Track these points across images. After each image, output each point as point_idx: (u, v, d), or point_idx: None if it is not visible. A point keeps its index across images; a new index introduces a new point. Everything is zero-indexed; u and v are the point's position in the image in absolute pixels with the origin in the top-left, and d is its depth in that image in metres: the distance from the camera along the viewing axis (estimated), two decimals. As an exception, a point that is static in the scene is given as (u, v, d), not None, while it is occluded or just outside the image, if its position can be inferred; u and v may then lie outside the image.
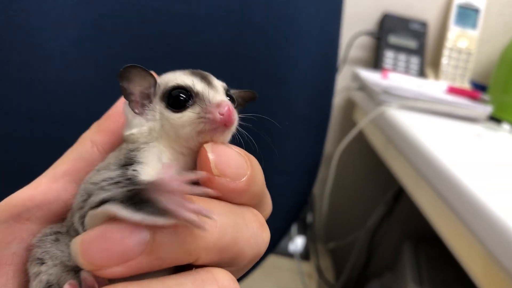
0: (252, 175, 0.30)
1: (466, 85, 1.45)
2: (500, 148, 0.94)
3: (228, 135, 0.32)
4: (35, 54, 0.67)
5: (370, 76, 1.25)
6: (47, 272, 0.30)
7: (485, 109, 1.11)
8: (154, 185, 0.26)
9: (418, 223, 1.56)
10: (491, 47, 1.52)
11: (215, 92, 0.31)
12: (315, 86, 0.75)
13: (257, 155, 0.33)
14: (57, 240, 0.31)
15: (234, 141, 0.34)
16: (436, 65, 1.51)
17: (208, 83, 0.32)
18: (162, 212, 0.25)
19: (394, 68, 1.44)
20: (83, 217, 0.28)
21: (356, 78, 1.35)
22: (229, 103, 0.30)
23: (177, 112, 0.31)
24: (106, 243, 0.25)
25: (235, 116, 0.30)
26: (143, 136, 0.32)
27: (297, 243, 1.54)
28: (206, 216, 0.26)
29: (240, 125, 0.33)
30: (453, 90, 1.22)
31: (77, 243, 0.25)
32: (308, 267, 1.50)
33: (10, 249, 0.31)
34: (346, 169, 1.59)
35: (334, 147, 1.34)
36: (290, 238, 1.54)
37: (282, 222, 0.78)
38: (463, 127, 1.04)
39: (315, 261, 1.50)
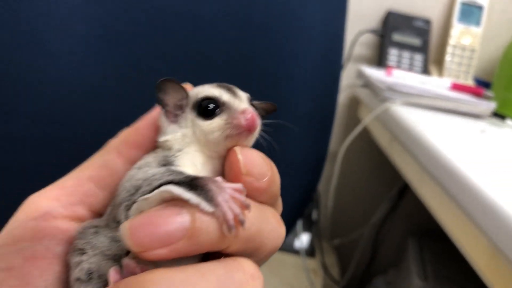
0: (272, 176, 0.33)
1: (469, 82, 1.46)
2: (504, 144, 0.95)
3: (252, 140, 0.36)
4: (42, 54, 0.68)
5: (375, 73, 1.26)
6: (88, 261, 0.33)
7: (489, 106, 1.12)
8: (211, 179, 0.30)
9: (423, 219, 1.56)
10: (495, 44, 1.52)
11: (240, 101, 0.35)
12: (319, 84, 0.76)
13: (265, 152, 0.35)
14: (96, 232, 0.34)
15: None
16: (439, 62, 1.52)
17: (234, 93, 0.35)
18: (209, 200, 0.29)
19: (398, 66, 1.45)
20: (128, 208, 0.32)
21: (360, 75, 1.36)
22: (253, 110, 0.34)
23: (207, 119, 0.35)
24: (152, 227, 0.28)
25: (258, 122, 0.34)
26: (177, 142, 0.36)
27: (303, 240, 1.54)
28: (240, 222, 0.30)
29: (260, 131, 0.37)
30: (457, 87, 1.22)
31: (125, 227, 0.29)
32: (313, 263, 1.51)
33: (43, 245, 0.34)
34: (350, 166, 1.60)
35: (339, 144, 1.35)
36: (296, 235, 1.55)
37: (287, 218, 0.79)
38: (467, 124, 1.05)
39: (320, 258, 1.51)
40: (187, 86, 0.39)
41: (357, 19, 1.45)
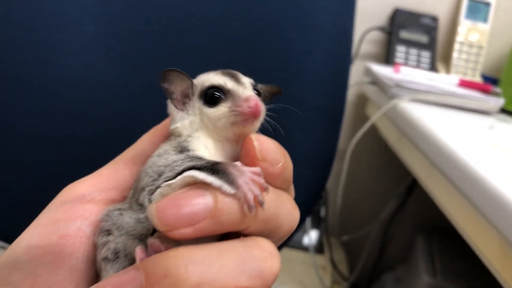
0: (285, 162, 0.35)
1: (477, 79, 1.46)
2: (513, 140, 0.95)
3: (257, 125, 0.37)
4: (55, 52, 0.69)
5: (382, 70, 1.27)
6: (114, 241, 0.35)
7: (497, 102, 1.12)
8: (231, 163, 0.32)
9: (431, 216, 1.57)
10: (503, 41, 1.52)
11: (243, 88, 0.36)
12: (329, 79, 0.76)
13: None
14: (121, 214, 0.36)
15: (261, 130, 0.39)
16: (447, 59, 1.52)
17: (237, 81, 0.37)
18: (231, 183, 0.31)
19: (405, 63, 1.45)
20: (152, 192, 0.34)
21: (368, 72, 1.36)
22: (256, 96, 0.35)
23: (213, 107, 0.36)
24: (177, 208, 0.30)
25: (262, 108, 0.35)
26: (185, 129, 0.38)
27: (311, 236, 1.55)
28: (259, 203, 0.31)
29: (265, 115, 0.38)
30: (464, 83, 1.23)
31: (153, 208, 0.31)
32: (322, 260, 1.51)
33: (76, 225, 0.37)
34: (358, 163, 1.60)
35: (347, 141, 1.35)
36: (304, 232, 1.56)
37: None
38: (475, 120, 1.05)
39: (329, 254, 1.52)
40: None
41: (364, 16, 1.45)
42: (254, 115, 0.35)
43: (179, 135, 0.38)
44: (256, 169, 0.33)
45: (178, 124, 0.38)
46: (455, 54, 1.46)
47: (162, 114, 0.42)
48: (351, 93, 1.56)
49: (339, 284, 1.51)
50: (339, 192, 1.38)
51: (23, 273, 0.34)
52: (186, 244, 0.30)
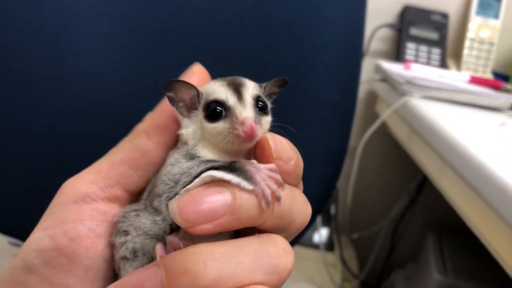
0: (297, 160, 0.36)
1: (488, 76, 1.45)
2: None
3: (253, 143, 0.37)
4: (68, 51, 0.70)
5: (393, 67, 1.26)
6: (132, 240, 0.36)
7: (508, 99, 1.11)
8: (248, 161, 0.34)
9: (441, 213, 1.56)
10: (514, 37, 1.52)
11: (243, 108, 0.36)
12: (341, 76, 0.76)
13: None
14: (137, 215, 0.37)
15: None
16: (457, 56, 1.51)
17: (240, 96, 0.37)
18: (248, 179, 0.32)
19: (416, 60, 1.45)
20: (169, 198, 0.34)
21: (378, 69, 1.36)
22: (252, 121, 0.35)
23: (212, 122, 0.36)
24: (197, 204, 0.32)
25: (257, 132, 0.35)
26: (190, 138, 0.38)
27: (322, 234, 1.55)
28: (276, 198, 0.33)
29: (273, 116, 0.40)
30: (475, 80, 1.22)
31: (174, 205, 0.32)
32: (332, 257, 1.51)
33: (85, 225, 0.37)
34: (369, 161, 1.60)
35: (357, 139, 1.35)
36: (315, 230, 1.56)
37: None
38: (486, 117, 1.05)
39: (339, 252, 1.52)
40: (197, 67, 0.42)
41: (374, 13, 1.45)
42: (249, 138, 0.35)
43: (185, 143, 0.38)
44: (272, 165, 0.34)
45: (183, 131, 0.39)
46: (465, 51, 1.46)
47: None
48: (361, 91, 1.56)
49: (349, 282, 1.51)
50: (349, 190, 1.38)
51: (38, 277, 0.35)
52: (203, 241, 0.31)
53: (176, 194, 0.34)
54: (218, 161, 0.35)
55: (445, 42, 1.47)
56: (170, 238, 0.34)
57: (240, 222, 0.32)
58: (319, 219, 1.54)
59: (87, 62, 0.71)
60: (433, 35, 1.47)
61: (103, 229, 0.38)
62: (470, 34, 1.45)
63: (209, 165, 0.34)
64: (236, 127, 0.35)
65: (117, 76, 0.72)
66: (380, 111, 1.38)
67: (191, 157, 0.37)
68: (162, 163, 0.39)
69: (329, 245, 1.56)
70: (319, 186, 0.79)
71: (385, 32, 1.52)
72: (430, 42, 1.47)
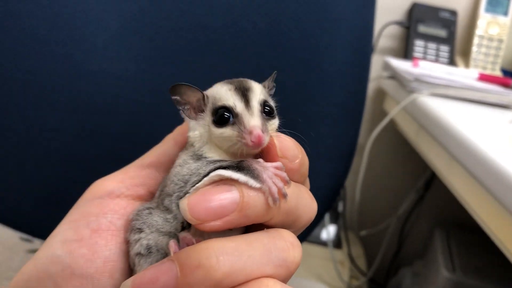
0: (302, 159, 0.37)
1: (497, 73, 1.44)
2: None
3: (260, 149, 0.38)
4: (79, 48, 0.71)
5: (401, 64, 1.26)
6: (146, 237, 0.37)
7: (518, 96, 1.11)
8: (254, 160, 0.35)
9: (449, 210, 1.56)
10: (523, 34, 1.51)
11: (250, 116, 0.37)
12: (350, 73, 0.76)
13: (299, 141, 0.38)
14: (150, 213, 0.39)
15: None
16: (466, 53, 1.51)
17: (247, 103, 0.37)
18: (256, 177, 0.34)
19: (424, 57, 1.45)
20: (180, 197, 0.36)
21: (386, 67, 1.36)
22: (259, 130, 0.36)
23: (220, 127, 0.37)
24: (207, 202, 0.33)
25: (264, 140, 0.36)
26: (196, 140, 0.39)
27: (329, 231, 1.56)
28: (283, 195, 0.34)
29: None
30: (484, 78, 1.22)
31: (184, 203, 0.33)
32: (340, 255, 1.52)
33: (107, 218, 0.40)
34: (377, 158, 1.60)
35: (366, 136, 1.35)
36: (322, 227, 1.57)
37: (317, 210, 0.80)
38: (495, 114, 1.05)
39: (347, 249, 1.52)
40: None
41: (382, 11, 1.44)
42: (256, 147, 0.36)
43: (192, 145, 0.39)
44: (278, 164, 0.35)
45: (190, 133, 0.40)
46: (474, 48, 1.45)
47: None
48: (369, 88, 1.55)
49: (357, 279, 1.51)
50: (357, 187, 1.38)
51: (61, 266, 0.37)
52: (214, 237, 0.32)
53: (186, 193, 0.35)
54: (226, 161, 0.36)
55: (453, 39, 1.47)
56: (183, 235, 0.35)
57: (248, 219, 0.34)
58: (327, 216, 1.54)
59: (98, 60, 0.71)
60: (442, 33, 1.47)
61: (124, 223, 0.40)
62: (479, 31, 1.45)
63: (217, 164, 0.35)
64: (244, 136, 0.35)
65: (127, 74, 0.73)
66: (388, 109, 1.38)
67: (198, 158, 0.38)
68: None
69: (337, 242, 1.57)
70: (328, 183, 0.79)
71: (393, 29, 1.52)
72: (438, 40, 1.47)
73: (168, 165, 0.41)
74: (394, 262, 1.71)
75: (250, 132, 0.35)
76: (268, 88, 0.42)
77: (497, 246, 0.71)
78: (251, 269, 0.31)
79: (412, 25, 1.46)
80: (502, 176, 0.65)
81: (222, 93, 0.38)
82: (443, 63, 1.44)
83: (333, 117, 0.76)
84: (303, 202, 0.37)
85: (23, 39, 0.69)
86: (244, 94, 0.38)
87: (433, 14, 1.48)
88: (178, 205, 0.35)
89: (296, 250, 0.34)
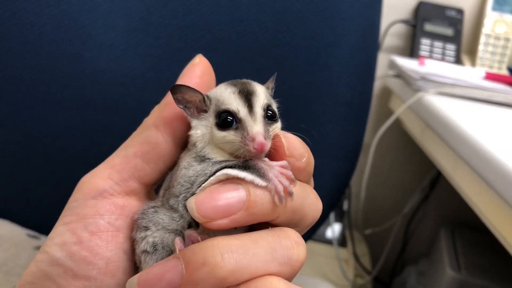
0: (308, 157, 0.37)
1: (504, 72, 1.44)
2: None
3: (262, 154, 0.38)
4: (87, 46, 0.71)
5: (407, 63, 1.26)
6: (152, 235, 0.38)
7: (524, 95, 1.11)
8: (260, 159, 0.36)
9: (455, 209, 1.56)
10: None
11: (253, 122, 0.37)
12: (356, 71, 0.76)
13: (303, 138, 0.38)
14: (156, 211, 0.39)
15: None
16: (472, 52, 1.50)
17: (250, 108, 0.37)
18: (262, 176, 0.34)
19: (430, 56, 1.44)
20: (187, 199, 0.36)
21: (392, 65, 1.36)
22: (262, 137, 0.36)
23: (223, 131, 0.37)
24: (214, 201, 0.33)
25: (267, 147, 0.36)
26: (198, 140, 0.39)
27: (335, 229, 1.56)
28: (288, 193, 0.34)
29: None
30: (491, 76, 1.22)
31: (192, 202, 0.34)
32: (344, 253, 1.52)
33: (104, 220, 0.39)
34: (382, 157, 1.60)
35: (371, 135, 1.35)
36: (327, 225, 1.57)
37: (322, 208, 0.80)
38: (501, 113, 1.04)
39: (352, 248, 1.52)
40: (199, 58, 0.45)
41: (388, 9, 1.44)
42: (259, 154, 0.36)
43: (195, 145, 0.39)
44: (283, 162, 0.36)
45: (192, 132, 0.39)
46: (481, 47, 1.45)
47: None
48: (375, 87, 1.55)
49: (361, 277, 1.51)
50: (362, 186, 1.38)
51: (62, 268, 0.37)
52: (220, 235, 0.33)
53: (192, 194, 0.36)
54: (232, 160, 0.36)
55: (460, 38, 1.47)
56: (189, 232, 0.35)
57: (255, 217, 0.34)
58: (332, 214, 1.54)
59: (104, 58, 0.72)
60: (448, 31, 1.46)
61: (122, 223, 0.40)
62: (485, 29, 1.44)
63: (223, 164, 0.36)
64: (247, 142, 0.36)
65: (133, 72, 0.73)
66: (394, 107, 1.38)
67: (202, 159, 0.38)
68: (173, 154, 0.41)
69: (342, 241, 1.57)
70: (334, 182, 0.79)
71: (400, 28, 1.52)
72: (444, 38, 1.46)
73: (152, 154, 0.41)
74: (399, 261, 1.71)
75: (253, 139, 0.35)
76: (270, 89, 0.43)
77: (503, 245, 0.71)
78: (256, 267, 0.32)
79: (419, 24, 1.46)
80: (508, 175, 0.64)
81: (226, 96, 0.38)
82: (449, 61, 1.43)
83: (339, 115, 0.76)
84: (308, 201, 0.37)
85: (30, 38, 0.69)
86: (248, 98, 0.38)
87: (440, 13, 1.47)
88: (185, 206, 0.36)
89: (300, 249, 0.34)
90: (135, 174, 0.41)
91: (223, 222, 0.33)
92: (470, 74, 1.22)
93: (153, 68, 0.73)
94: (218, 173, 0.35)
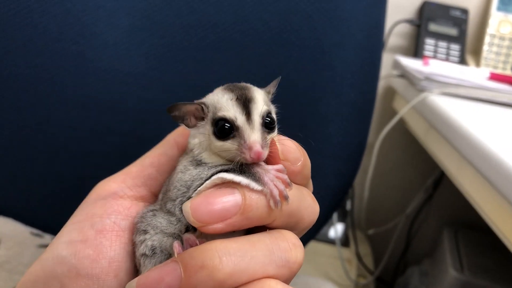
0: (304, 161, 0.38)
1: (508, 72, 1.43)
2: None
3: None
4: (90, 45, 0.71)
5: (411, 63, 1.26)
6: (150, 239, 0.38)
7: (529, 96, 1.10)
8: (255, 163, 0.36)
9: (458, 210, 1.56)
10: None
11: (251, 130, 0.37)
12: (360, 71, 0.76)
13: (305, 140, 0.39)
14: (154, 215, 0.39)
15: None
16: (477, 52, 1.50)
17: (248, 116, 0.37)
18: (257, 180, 0.34)
19: (434, 56, 1.44)
20: (183, 202, 0.36)
21: (396, 65, 1.35)
22: (259, 146, 0.36)
23: (220, 139, 0.37)
24: (210, 205, 0.34)
25: (264, 155, 0.36)
26: (195, 147, 0.39)
27: (337, 229, 1.56)
28: (284, 197, 0.34)
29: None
30: (495, 77, 1.21)
31: (187, 206, 0.34)
32: (347, 253, 1.52)
33: (111, 219, 0.40)
34: (386, 157, 1.59)
35: (375, 135, 1.35)
36: (330, 225, 1.57)
37: (325, 209, 0.80)
38: (506, 114, 1.04)
39: (355, 248, 1.52)
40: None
41: (392, 9, 1.43)
42: (255, 162, 0.36)
43: (191, 150, 0.40)
44: (279, 166, 0.36)
45: (190, 139, 0.40)
46: (485, 47, 1.44)
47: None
48: (379, 86, 1.55)
49: (364, 277, 1.51)
50: (366, 186, 1.38)
51: (66, 266, 0.37)
52: (217, 238, 0.33)
53: (189, 198, 0.36)
54: (228, 164, 0.37)
55: (464, 38, 1.46)
56: (187, 236, 0.36)
57: (251, 221, 0.34)
58: (335, 214, 1.54)
59: (108, 57, 0.72)
60: (453, 31, 1.46)
61: (128, 224, 0.40)
62: (490, 30, 1.44)
63: (219, 168, 0.37)
64: (244, 150, 0.36)
65: (137, 71, 0.73)
66: (398, 107, 1.37)
67: (198, 163, 0.38)
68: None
69: (345, 241, 1.57)
70: (337, 182, 0.79)
71: (404, 28, 1.51)
72: (449, 38, 1.46)
73: (167, 166, 0.42)
74: (402, 261, 1.71)
75: (250, 148, 0.35)
76: (270, 93, 0.42)
77: (506, 246, 0.71)
78: (254, 270, 0.32)
79: (423, 23, 1.46)
80: (512, 176, 0.64)
81: (223, 103, 0.38)
82: (453, 62, 1.43)
83: (343, 115, 0.76)
84: (305, 204, 0.37)
85: (34, 36, 0.69)
86: (246, 105, 0.37)
87: (444, 13, 1.47)
88: (181, 210, 0.36)
89: (298, 251, 0.34)
90: (147, 182, 0.43)
91: (218, 226, 0.33)
92: (475, 75, 1.22)
93: (157, 67, 0.73)
94: (213, 177, 0.35)
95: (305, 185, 0.39)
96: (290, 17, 0.73)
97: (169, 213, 0.38)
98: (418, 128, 1.17)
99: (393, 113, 1.30)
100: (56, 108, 0.71)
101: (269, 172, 0.35)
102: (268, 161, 0.37)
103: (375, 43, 0.77)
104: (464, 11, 1.47)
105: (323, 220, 0.82)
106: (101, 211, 0.40)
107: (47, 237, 0.77)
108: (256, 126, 0.37)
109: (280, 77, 0.44)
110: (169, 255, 0.37)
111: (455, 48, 1.45)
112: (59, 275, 0.37)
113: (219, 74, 0.74)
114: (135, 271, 0.39)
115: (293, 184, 0.37)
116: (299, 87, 0.75)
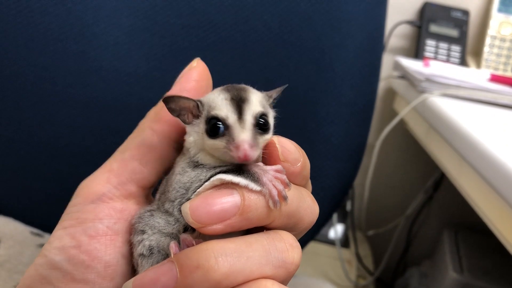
0: (304, 162, 0.38)
1: (509, 74, 1.43)
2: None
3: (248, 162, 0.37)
4: (91, 45, 0.71)
5: (412, 64, 1.26)
6: (148, 238, 0.38)
7: (529, 97, 1.10)
8: (254, 164, 0.36)
9: (458, 211, 1.56)
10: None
11: (241, 129, 0.36)
12: (360, 72, 0.76)
13: (304, 141, 0.37)
14: (152, 215, 0.39)
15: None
16: (478, 53, 1.50)
17: (240, 115, 0.36)
18: (256, 181, 0.34)
19: (435, 57, 1.44)
20: (182, 204, 0.36)
21: (397, 66, 1.35)
22: (247, 145, 0.35)
23: (212, 138, 0.36)
24: (209, 206, 0.33)
25: (252, 155, 0.35)
26: (191, 146, 0.39)
27: (337, 230, 1.56)
28: (283, 197, 0.34)
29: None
30: (496, 78, 1.21)
31: (186, 207, 0.34)
32: (347, 254, 1.52)
33: (103, 224, 0.39)
34: (386, 158, 1.59)
35: (375, 136, 1.35)
36: (330, 226, 1.57)
37: (325, 210, 0.80)
38: (506, 115, 1.04)
39: (354, 248, 1.52)
40: (197, 62, 0.44)
41: (393, 10, 1.43)
42: (243, 161, 0.35)
43: (187, 148, 0.39)
44: (278, 166, 0.36)
45: (185, 137, 0.39)
46: (486, 49, 1.44)
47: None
48: (379, 88, 1.55)
49: (364, 278, 1.51)
50: (366, 187, 1.38)
51: (61, 272, 0.37)
52: (215, 239, 0.33)
53: (188, 199, 0.36)
54: (226, 165, 0.37)
55: (465, 39, 1.46)
56: (184, 236, 0.36)
57: (250, 222, 0.34)
58: (335, 215, 1.54)
59: (109, 57, 0.72)
60: (453, 32, 1.46)
61: (121, 227, 0.40)
62: (491, 31, 1.44)
63: (218, 169, 0.36)
64: (232, 148, 0.35)
65: (138, 71, 0.73)
66: (398, 108, 1.37)
67: (195, 165, 0.38)
68: (169, 156, 0.41)
69: (345, 242, 1.57)
70: (337, 183, 0.79)
71: (404, 29, 1.51)
72: (450, 39, 1.46)
73: (149, 156, 0.41)
74: (402, 262, 1.71)
75: (237, 147, 0.35)
76: (272, 98, 0.41)
77: (506, 247, 0.71)
78: (250, 270, 0.32)
79: (424, 25, 1.46)
80: (512, 178, 0.64)
81: (218, 102, 0.37)
82: (454, 63, 1.43)
83: (343, 116, 0.76)
84: (304, 204, 0.37)
85: (36, 36, 0.69)
86: (239, 105, 0.37)
87: (445, 14, 1.47)
88: (180, 211, 0.36)
89: (295, 251, 0.34)
90: (133, 177, 0.41)
91: (217, 227, 0.33)
92: (475, 76, 1.22)
93: (158, 67, 0.73)
94: (212, 179, 0.35)
95: (304, 186, 0.39)
96: (291, 18, 0.73)
97: (167, 213, 0.38)
98: (418, 129, 1.17)
99: (394, 114, 1.30)
100: (57, 108, 0.72)
101: (268, 173, 0.35)
102: (268, 162, 0.37)
103: (375, 44, 0.77)
104: (465, 12, 1.47)
105: (323, 221, 0.82)
106: (92, 216, 0.39)
107: (47, 236, 0.77)
108: (247, 126, 0.36)
109: (287, 85, 0.43)
110: (166, 255, 0.37)
111: (455, 49, 1.45)
112: (54, 280, 0.37)
113: (220, 74, 0.73)
114: (132, 273, 0.39)
115: (292, 185, 0.36)
116: (299, 88, 0.75)
